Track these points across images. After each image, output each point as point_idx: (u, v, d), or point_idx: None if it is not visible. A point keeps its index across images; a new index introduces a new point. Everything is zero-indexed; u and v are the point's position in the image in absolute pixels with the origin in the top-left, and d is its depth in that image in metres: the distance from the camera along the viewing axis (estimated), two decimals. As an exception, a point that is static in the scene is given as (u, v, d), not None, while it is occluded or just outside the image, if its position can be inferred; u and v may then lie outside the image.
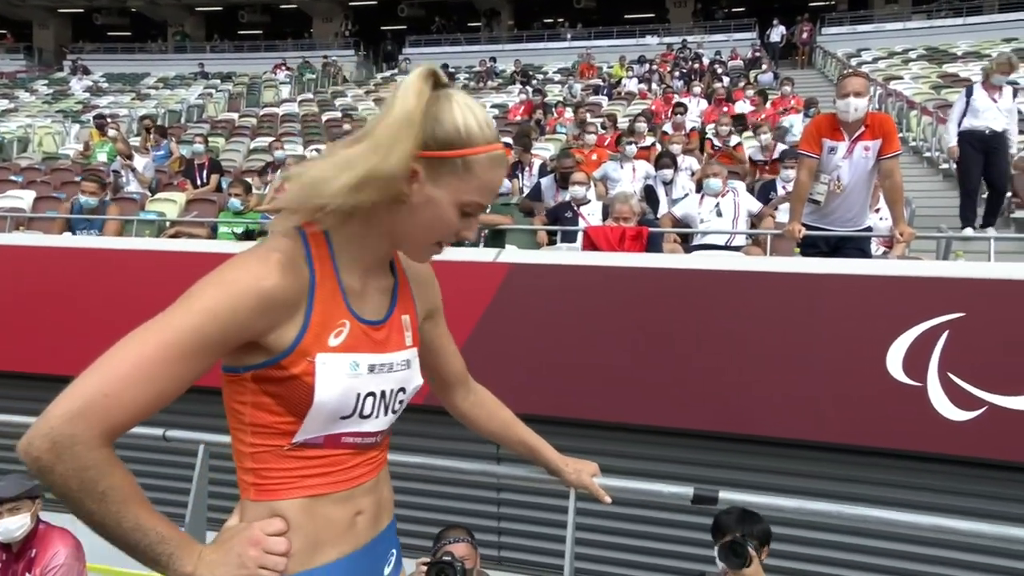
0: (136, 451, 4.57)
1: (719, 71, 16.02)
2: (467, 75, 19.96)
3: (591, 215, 5.72)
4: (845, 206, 4.30)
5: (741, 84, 14.55)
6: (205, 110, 17.69)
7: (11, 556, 2.92)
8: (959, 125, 6.33)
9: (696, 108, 11.90)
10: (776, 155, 7.73)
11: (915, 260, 4.59)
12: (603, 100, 14.45)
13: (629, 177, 7.13)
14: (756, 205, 5.85)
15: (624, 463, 3.83)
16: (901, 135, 9.62)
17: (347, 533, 1.14)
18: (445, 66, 20.72)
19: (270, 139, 11.22)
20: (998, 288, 3.41)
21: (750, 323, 3.73)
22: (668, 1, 26.97)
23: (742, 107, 11.65)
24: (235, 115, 16.02)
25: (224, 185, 7.87)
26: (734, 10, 27.94)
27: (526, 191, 6.99)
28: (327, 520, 1.12)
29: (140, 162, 8.91)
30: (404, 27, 28.85)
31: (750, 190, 6.47)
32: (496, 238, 5.47)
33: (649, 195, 6.78)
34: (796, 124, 9.22)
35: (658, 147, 8.34)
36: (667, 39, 23.24)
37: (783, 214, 5.58)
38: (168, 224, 6.70)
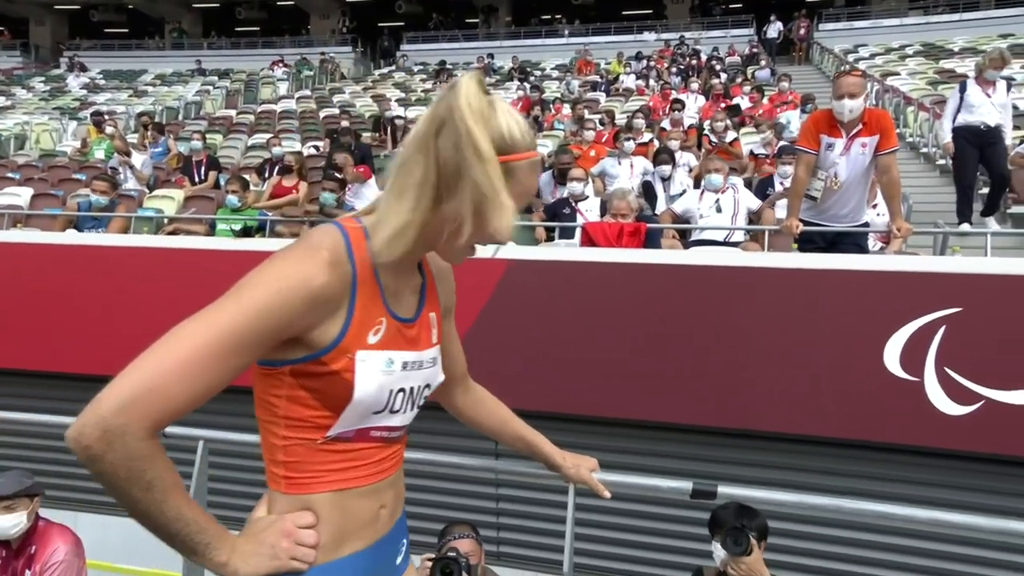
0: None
1: (716, 67, 16.00)
2: (465, 72, 19.90)
3: (589, 211, 5.73)
4: (842, 202, 4.31)
5: (738, 80, 14.54)
6: (203, 107, 17.65)
7: (11, 553, 2.92)
8: (953, 121, 6.33)
9: (693, 104, 11.90)
10: (775, 151, 7.75)
11: (912, 255, 4.61)
12: (601, 96, 14.44)
13: (627, 173, 7.14)
14: (755, 202, 5.87)
15: (623, 458, 3.84)
16: (898, 131, 9.64)
17: (371, 526, 1.18)
18: (443, 63, 20.75)
19: (268, 136, 11.20)
20: (994, 283, 3.42)
21: (748, 318, 3.74)
22: (666, -3, 26.97)
23: (740, 103, 11.64)
24: (233, 112, 15.99)
25: (222, 182, 7.86)
26: (731, 6, 27.93)
27: (524, 187, 6.97)
28: (353, 514, 1.15)
29: (138, 159, 8.90)
30: (402, 24, 28.81)
31: (748, 186, 6.48)
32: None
33: (647, 191, 6.78)
34: (793, 120, 9.23)
35: (656, 143, 8.34)
36: (665, 35, 23.22)
37: (783, 210, 5.59)
38: (166, 221, 6.70)
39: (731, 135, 8.94)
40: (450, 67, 20.03)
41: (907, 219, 4.67)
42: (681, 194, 6.37)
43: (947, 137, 6.46)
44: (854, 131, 4.18)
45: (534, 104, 12.88)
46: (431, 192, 1.06)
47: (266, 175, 8.35)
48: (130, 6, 29.63)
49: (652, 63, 17.68)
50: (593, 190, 6.45)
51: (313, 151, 10.17)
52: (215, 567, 1.05)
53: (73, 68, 23.81)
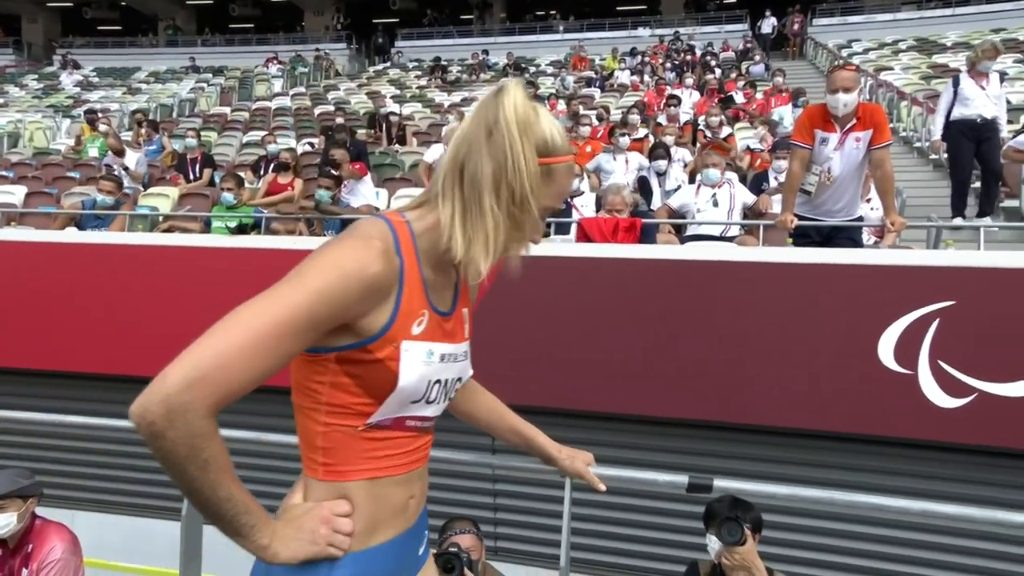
0: (131, 445, 4.59)
1: (711, 63, 16.01)
2: (460, 68, 19.89)
3: (584, 207, 5.73)
4: (836, 197, 4.33)
5: (733, 75, 14.55)
6: (197, 104, 17.58)
7: (7, 552, 2.92)
8: (948, 116, 6.32)
9: (688, 100, 11.91)
10: (770, 146, 7.76)
11: (906, 249, 4.63)
12: (596, 92, 14.44)
13: (622, 169, 7.15)
14: (751, 197, 5.88)
15: (620, 453, 3.86)
16: (892, 125, 9.65)
17: (401, 515, 1.22)
18: (437, 59, 20.69)
19: (263, 133, 11.17)
20: (987, 276, 3.45)
21: (743, 313, 3.76)
22: (660, -8, 26.95)
23: (736, 99, 11.66)
24: (227, 109, 15.93)
25: (217, 180, 7.84)
26: (725, 1, 27.92)
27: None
28: (386, 502, 1.19)
29: (132, 157, 8.85)
30: (396, 20, 28.73)
31: (743, 181, 6.50)
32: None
33: (643, 186, 6.79)
34: (786, 116, 9.25)
35: (651, 139, 8.35)
36: (659, 31, 23.22)
37: (777, 205, 5.60)
38: (161, 219, 6.69)
39: (726, 130, 8.95)
40: (445, 63, 19.97)
41: (901, 213, 4.68)
42: (676, 189, 6.38)
43: (938, 134, 6.46)
44: (848, 126, 4.19)
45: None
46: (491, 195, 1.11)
47: (261, 172, 8.33)
48: (123, 3, 29.50)
49: (647, 59, 17.67)
50: (588, 186, 6.45)
51: (308, 148, 10.15)
52: (257, 549, 1.08)
53: (66, 66, 23.66)
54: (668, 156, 6.95)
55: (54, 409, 3.78)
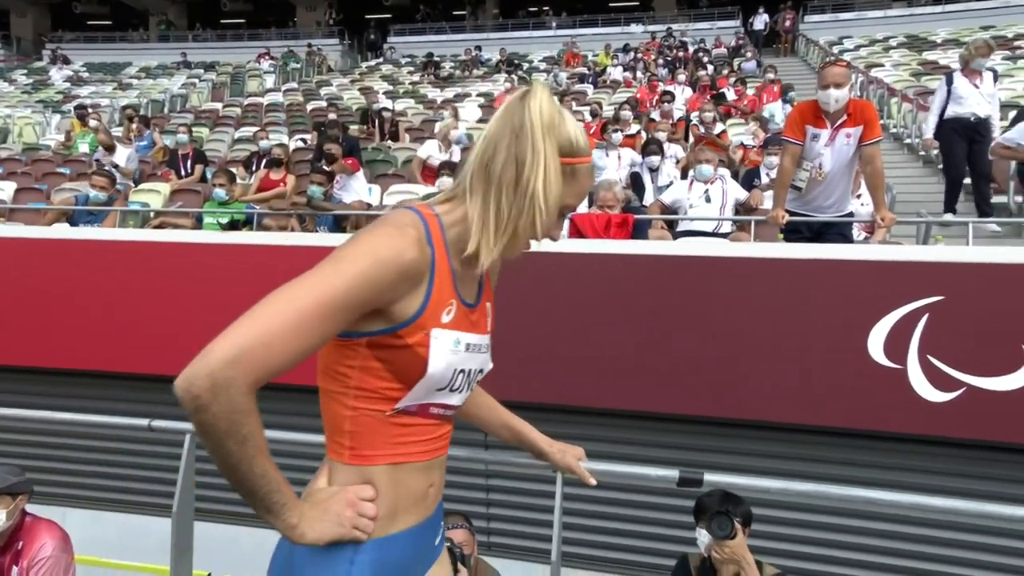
0: (121, 442, 4.58)
1: (703, 59, 16.03)
2: (452, 64, 19.85)
3: (577, 203, 5.72)
4: (826, 192, 4.35)
5: (725, 72, 14.58)
6: (188, 100, 17.50)
7: (-2, 549, 2.91)
8: (942, 115, 6.33)
9: (681, 96, 11.93)
10: (761, 142, 7.79)
11: (896, 245, 4.65)
12: (588, 88, 14.44)
13: (615, 165, 7.16)
14: (743, 193, 5.90)
15: (613, 448, 3.87)
16: (882, 122, 9.72)
17: (420, 503, 1.25)
18: (430, 55, 20.65)
19: (255, 129, 11.13)
20: (976, 271, 3.47)
21: (734, 308, 3.77)
22: (653, -11, 26.96)
23: (727, 95, 11.68)
24: (219, 105, 15.86)
25: (209, 175, 7.81)
26: (718, -3, 27.94)
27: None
28: (407, 488, 1.22)
29: (123, 152, 8.81)
30: (388, 15, 28.63)
31: (734, 177, 6.52)
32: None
33: (635, 182, 6.81)
34: (777, 113, 9.27)
35: (643, 135, 8.36)
36: (652, 27, 23.25)
37: (768, 201, 5.62)
38: (153, 215, 6.66)
39: (719, 127, 8.98)
40: (438, 59, 19.94)
41: (891, 209, 4.71)
42: (668, 185, 6.40)
43: (930, 132, 6.48)
44: (839, 122, 4.21)
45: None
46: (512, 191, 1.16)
47: (253, 168, 8.31)
48: (113, -2, 29.30)
49: (639, 55, 17.70)
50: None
51: (300, 144, 10.12)
52: (286, 528, 1.11)
53: (56, 61, 23.51)
54: (661, 152, 6.97)
55: (44, 406, 3.77)
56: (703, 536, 2.43)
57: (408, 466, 1.21)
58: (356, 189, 6.86)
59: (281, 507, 1.09)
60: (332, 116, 11.12)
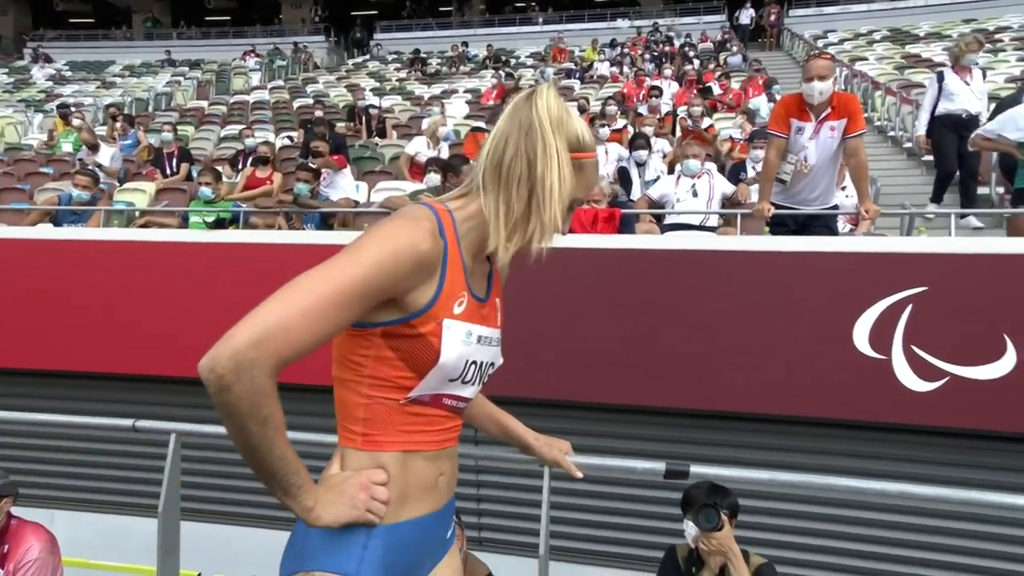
0: (105, 443, 4.54)
1: (690, 53, 16.06)
2: (439, 60, 19.79)
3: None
4: (811, 185, 4.37)
5: (711, 66, 14.62)
6: (173, 98, 17.34)
7: (-16, 552, 2.88)
8: (933, 111, 6.37)
9: (667, 90, 11.95)
10: (747, 135, 7.82)
11: (880, 236, 4.69)
12: (575, 84, 14.43)
13: (602, 160, 7.16)
14: (730, 187, 5.93)
15: (600, 442, 3.88)
16: (866, 115, 9.77)
17: (430, 492, 1.28)
18: (417, 51, 20.57)
19: (241, 127, 11.06)
20: (959, 262, 3.50)
21: (720, 301, 3.78)
22: (639, -16, 26.96)
23: (713, 89, 11.71)
24: (204, 103, 15.75)
25: (194, 174, 7.76)
26: (704, -8, 27.98)
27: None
28: (417, 476, 1.25)
29: (107, 152, 8.73)
30: (375, 12, 28.50)
31: (721, 171, 6.54)
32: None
33: (623, 177, 6.82)
34: (762, 106, 9.31)
35: (630, 129, 8.37)
36: (638, 22, 23.27)
37: (754, 194, 5.65)
38: (138, 214, 6.61)
39: (707, 121, 9.00)
40: (424, 55, 19.87)
41: (875, 201, 4.74)
42: (656, 180, 6.41)
43: (922, 129, 6.51)
44: (823, 115, 4.24)
45: (509, 92, 12.80)
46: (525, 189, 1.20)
47: (239, 167, 8.26)
48: (95, -5, 29.00)
49: (626, 50, 17.71)
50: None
51: (287, 142, 10.07)
52: (302, 510, 1.15)
53: (37, 59, 23.23)
54: (648, 146, 6.98)
55: (27, 407, 3.73)
56: (690, 528, 2.44)
57: (417, 455, 1.24)
58: (343, 186, 6.83)
59: (298, 489, 1.13)
60: (319, 113, 11.07)
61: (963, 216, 6.05)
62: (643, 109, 9.99)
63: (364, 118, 10.70)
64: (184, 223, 6.40)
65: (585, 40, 20.18)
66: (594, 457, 1.90)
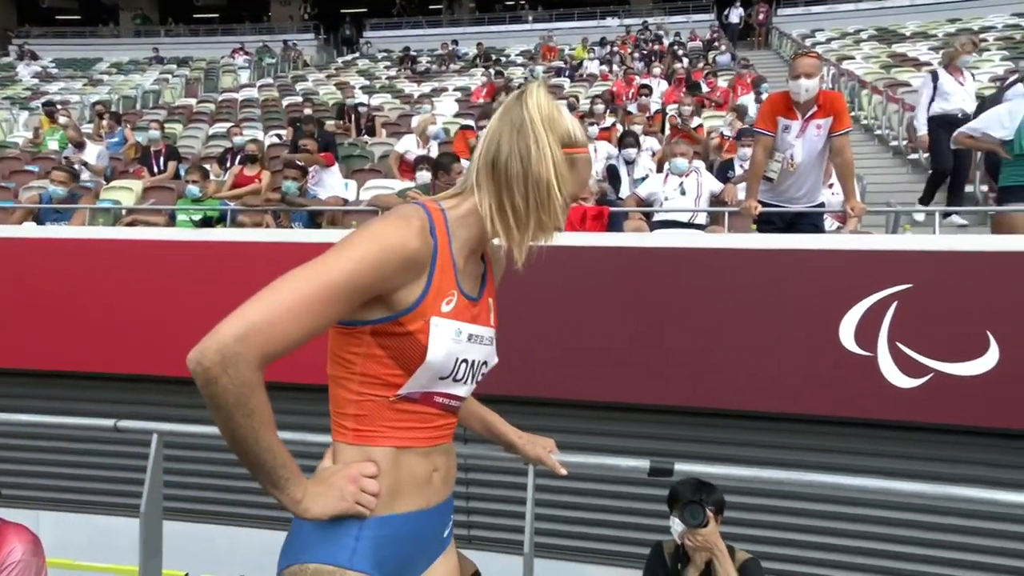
0: (87, 443, 4.51)
1: (679, 52, 16.10)
2: (429, 58, 19.74)
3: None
4: (798, 183, 4.39)
5: (700, 65, 14.66)
6: (161, 96, 17.22)
7: (-34, 553, 2.85)
8: (928, 111, 6.41)
9: (657, 89, 11.97)
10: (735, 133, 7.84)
11: (866, 234, 4.71)
12: (565, 82, 14.44)
13: (591, 158, 7.16)
14: (718, 185, 5.94)
15: (583, 439, 3.89)
16: (853, 113, 9.83)
17: (424, 487, 1.28)
18: (406, 49, 20.53)
19: (229, 125, 10.99)
20: (943, 260, 3.53)
21: (708, 299, 3.80)
22: (629, -18, 27.02)
23: (702, 87, 11.74)
24: (193, 101, 15.64)
25: (182, 172, 7.70)
26: (693, -9, 28.06)
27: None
28: (409, 471, 1.26)
29: (93, 149, 8.66)
30: (364, 10, 28.41)
31: (708, 169, 6.56)
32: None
33: (611, 175, 6.82)
34: (750, 104, 9.35)
35: (619, 128, 8.38)
36: (628, 21, 23.32)
37: (742, 192, 5.67)
38: (124, 212, 6.56)
39: (696, 120, 9.02)
40: (414, 54, 19.82)
41: (861, 199, 4.77)
42: (644, 178, 6.42)
43: (923, 130, 6.55)
44: (809, 113, 4.25)
45: (499, 90, 12.82)
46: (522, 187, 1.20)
47: (227, 165, 8.20)
48: (82, -8, 28.75)
49: (616, 48, 17.73)
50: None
51: (276, 140, 10.02)
52: (290, 502, 1.16)
53: (23, 56, 23.01)
54: (637, 145, 6.99)
55: (10, 408, 3.70)
56: (676, 524, 2.45)
57: (409, 451, 1.25)
58: (331, 184, 6.80)
59: (286, 482, 1.14)
60: (308, 111, 11.02)
61: (947, 215, 6.09)
62: (632, 107, 10.00)
63: (353, 116, 10.67)
64: (171, 221, 6.36)
65: (575, 38, 20.21)
66: (578, 455, 1.90)
